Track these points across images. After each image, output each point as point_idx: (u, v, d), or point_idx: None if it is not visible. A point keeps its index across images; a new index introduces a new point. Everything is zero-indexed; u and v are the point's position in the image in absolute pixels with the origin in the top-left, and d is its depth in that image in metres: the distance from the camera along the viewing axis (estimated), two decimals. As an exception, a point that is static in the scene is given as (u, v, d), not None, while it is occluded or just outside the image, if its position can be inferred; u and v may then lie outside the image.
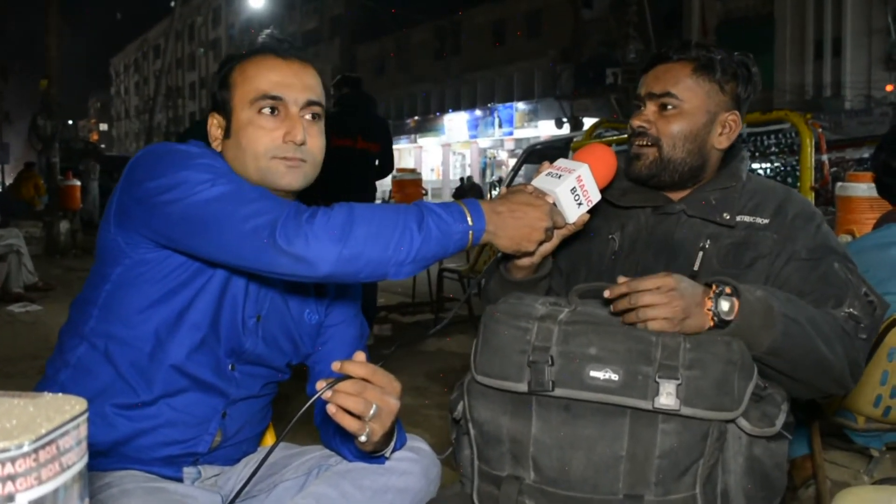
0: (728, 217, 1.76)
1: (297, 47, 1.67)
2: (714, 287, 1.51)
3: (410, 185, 9.45)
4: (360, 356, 1.45)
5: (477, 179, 34.34)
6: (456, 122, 40.25)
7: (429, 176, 40.64)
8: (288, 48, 1.65)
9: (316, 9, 50.63)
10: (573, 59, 30.52)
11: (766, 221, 1.76)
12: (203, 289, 1.58)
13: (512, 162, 30.23)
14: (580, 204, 1.60)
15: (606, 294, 1.48)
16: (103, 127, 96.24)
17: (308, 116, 1.63)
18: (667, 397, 1.38)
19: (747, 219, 1.77)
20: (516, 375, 1.47)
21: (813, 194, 4.38)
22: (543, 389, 1.43)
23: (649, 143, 1.80)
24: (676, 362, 1.40)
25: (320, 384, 1.40)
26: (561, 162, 1.64)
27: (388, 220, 1.42)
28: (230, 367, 1.65)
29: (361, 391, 1.41)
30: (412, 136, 43.64)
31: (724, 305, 1.48)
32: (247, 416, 1.73)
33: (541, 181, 1.61)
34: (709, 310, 1.49)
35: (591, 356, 1.43)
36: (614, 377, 1.41)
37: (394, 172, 6.87)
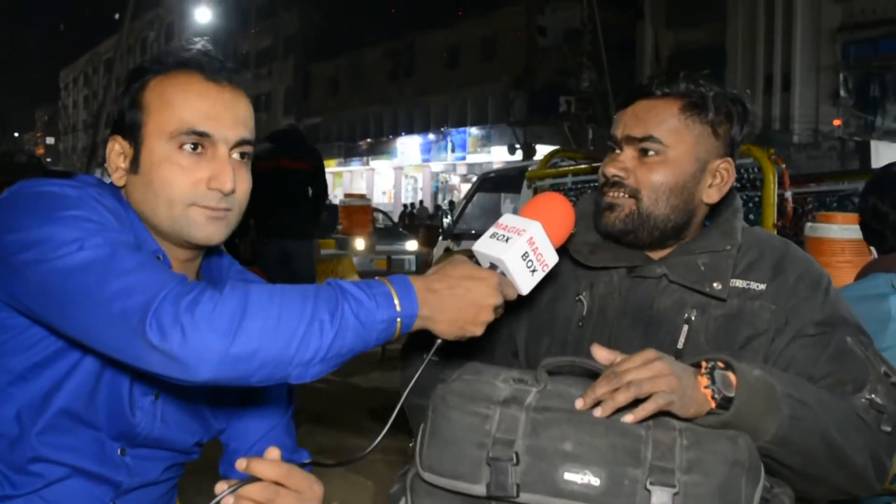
0: (720, 287, 1.46)
1: (230, 68, 1.36)
2: (705, 364, 1.26)
3: (359, 212, 9.16)
4: (273, 453, 1.15)
5: (428, 203, 34.14)
6: (409, 146, 40.08)
7: (380, 199, 40.37)
8: (220, 69, 1.34)
9: (270, 27, 50.29)
10: (527, 86, 30.59)
11: (762, 287, 1.47)
12: (76, 367, 1.27)
13: (464, 187, 30.14)
14: (534, 271, 1.30)
15: (579, 405, 1.20)
16: (50, 140, 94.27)
17: (236, 156, 1.34)
18: (661, 510, 1.10)
19: (740, 283, 1.48)
20: (472, 475, 1.18)
21: (775, 231, 4.16)
22: (506, 495, 1.15)
23: (626, 195, 1.50)
24: (672, 464, 1.13)
25: (220, 486, 1.11)
26: (507, 220, 1.34)
27: (292, 309, 1.12)
28: (119, 451, 1.35)
29: (271, 498, 1.12)
30: (364, 158, 43.36)
31: (723, 379, 1.23)
32: None
33: (485, 245, 1.32)
34: (706, 387, 1.23)
35: (567, 454, 1.15)
36: (595, 482, 1.13)
37: (342, 198, 6.74)
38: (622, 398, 1.17)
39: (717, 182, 1.52)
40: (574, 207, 1.44)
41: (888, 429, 1.37)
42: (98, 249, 1.14)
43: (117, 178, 1.34)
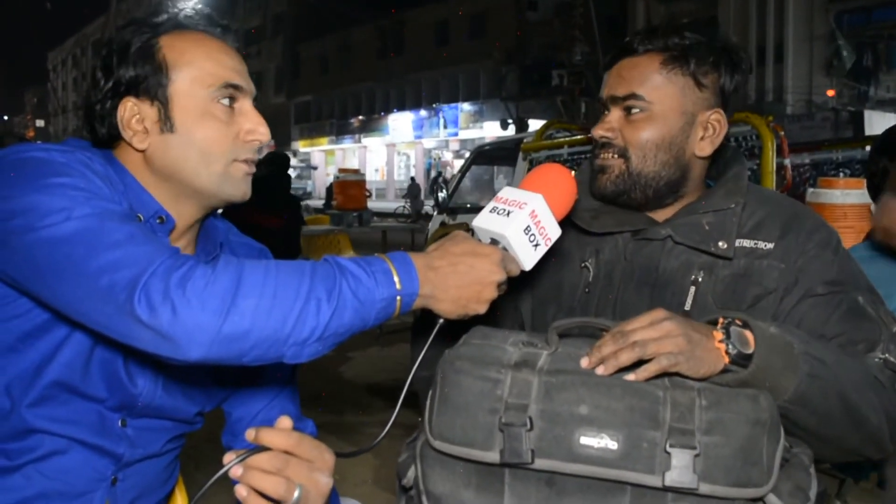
0: (725, 246, 1.43)
1: (227, 27, 1.35)
2: (722, 320, 1.22)
3: (354, 187, 9.12)
4: (285, 422, 1.11)
5: (421, 180, 34.02)
6: (401, 122, 39.98)
7: (373, 176, 40.35)
8: (223, 29, 1.34)
9: (259, 6, 49.95)
10: (518, 61, 30.41)
11: (770, 246, 1.44)
12: (69, 337, 1.22)
13: (458, 163, 30.05)
14: (536, 245, 1.25)
15: (584, 364, 1.17)
16: (40, 123, 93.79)
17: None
18: (681, 472, 1.06)
19: (747, 244, 1.45)
20: (484, 442, 1.13)
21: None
22: (521, 461, 1.11)
23: (615, 155, 1.48)
24: (692, 425, 1.08)
25: (228, 457, 1.07)
26: (507, 193, 1.29)
27: (288, 286, 1.07)
28: (120, 423, 1.30)
29: (282, 468, 1.08)
30: (356, 135, 43.23)
31: (739, 336, 1.19)
32: (146, 479, 1.39)
33: (485, 220, 1.27)
34: (720, 342, 1.18)
35: (582, 417, 1.11)
36: (612, 445, 1.09)
37: (336, 173, 6.74)
38: (625, 358, 1.14)
39: (710, 134, 1.49)
40: (575, 175, 1.39)
41: None
42: (86, 220, 1.09)
43: (138, 141, 1.28)
